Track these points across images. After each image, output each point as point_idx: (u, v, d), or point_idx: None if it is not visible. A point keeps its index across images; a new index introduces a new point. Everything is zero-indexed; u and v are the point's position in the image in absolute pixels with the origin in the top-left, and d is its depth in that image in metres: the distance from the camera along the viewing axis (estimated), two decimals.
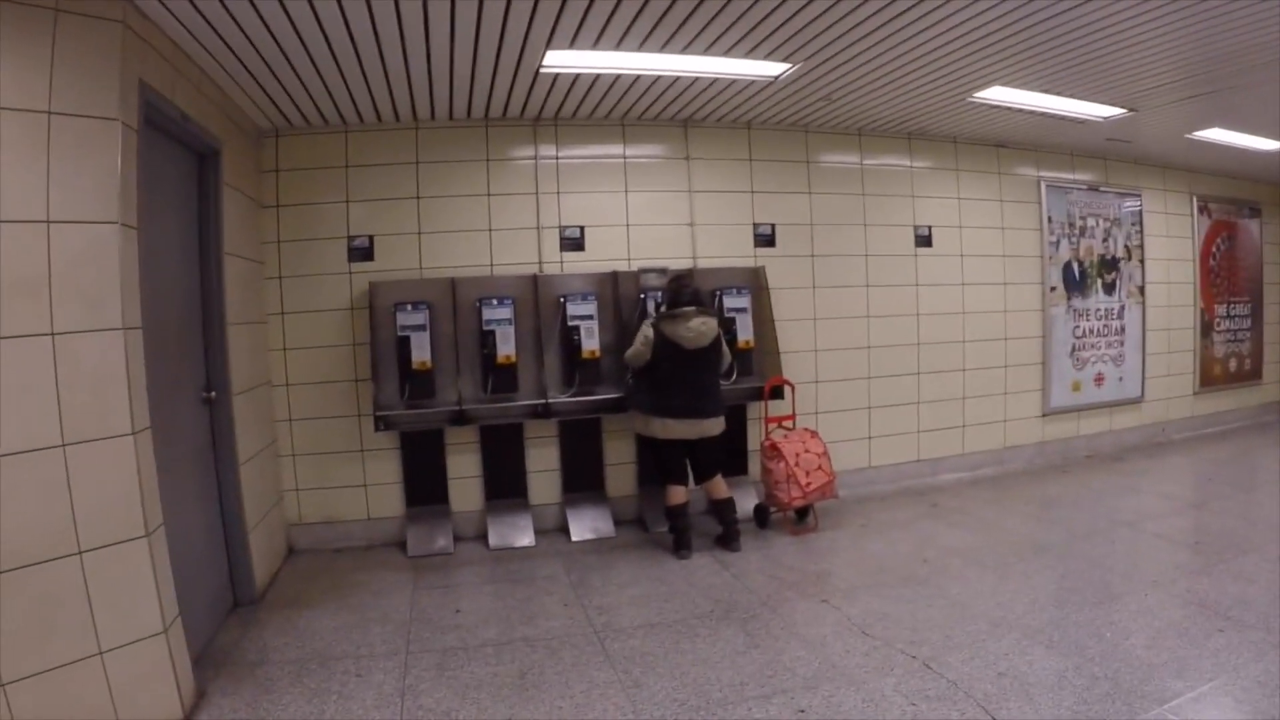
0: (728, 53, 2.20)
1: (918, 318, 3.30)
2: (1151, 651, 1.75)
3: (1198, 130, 3.33)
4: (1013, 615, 1.98)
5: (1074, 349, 3.82)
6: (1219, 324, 4.58)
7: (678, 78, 2.39)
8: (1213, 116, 3.13)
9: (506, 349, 2.53)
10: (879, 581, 2.25)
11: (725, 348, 2.57)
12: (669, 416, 2.44)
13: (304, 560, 2.51)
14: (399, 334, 2.48)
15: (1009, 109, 2.90)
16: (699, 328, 2.40)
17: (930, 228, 3.34)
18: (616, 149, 2.87)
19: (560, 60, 2.14)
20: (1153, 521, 2.75)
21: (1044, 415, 3.69)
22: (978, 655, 1.76)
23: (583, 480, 2.83)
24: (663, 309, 2.51)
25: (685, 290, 2.45)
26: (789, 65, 2.32)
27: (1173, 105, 2.90)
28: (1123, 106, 2.90)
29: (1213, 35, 2.16)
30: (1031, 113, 2.94)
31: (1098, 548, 2.50)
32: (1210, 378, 4.53)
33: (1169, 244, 4.26)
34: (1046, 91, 2.72)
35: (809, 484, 2.66)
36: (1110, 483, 3.33)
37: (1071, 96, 2.79)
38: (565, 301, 2.64)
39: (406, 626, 1.94)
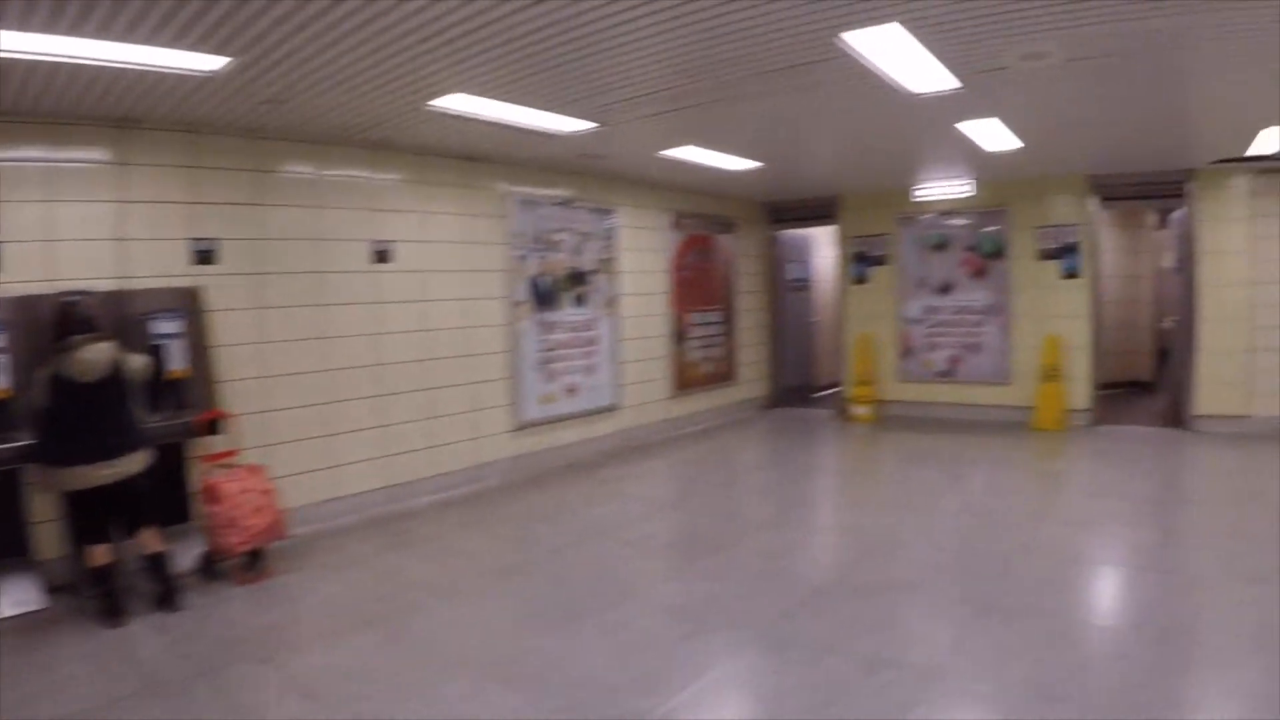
0: (156, 39, 3.43)
1: (381, 337, 6.15)
2: (617, 671, 3.27)
3: (670, 148, 6.45)
4: (472, 650, 3.49)
5: (544, 362, 7.65)
6: (693, 331, 9.96)
7: (103, 68, 3.94)
8: (685, 134, 6.04)
9: None
10: (334, 629, 3.78)
11: (138, 373, 4.07)
12: (78, 463, 3.79)
13: None
14: None
15: (470, 120, 5.04)
16: (89, 356, 3.79)
17: (393, 243, 6.21)
18: (37, 152, 4.52)
19: None
20: (626, 529, 5.46)
21: (517, 429, 7.23)
22: (432, 703, 3.05)
23: (2, 544, 4.14)
24: (55, 342, 3.87)
25: (73, 317, 3.84)
26: (228, 59, 3.69)
27: (644, 121, 5.40)
28: (592, 120, 5.29)
29: (686, 49, 3.91)
30: (496, 124, 5.18)
31: (568, 563, 4.73)
32: (687, 381, 9.65)
33: (642, 257, 8.67)
34: (510, 101, 4.77)
35: (252, 526, 4.34)
36: (587, 492, 6.51)
37: (538, 108, 4.94)
38: None
39: None
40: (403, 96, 4.67)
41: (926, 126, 5.99)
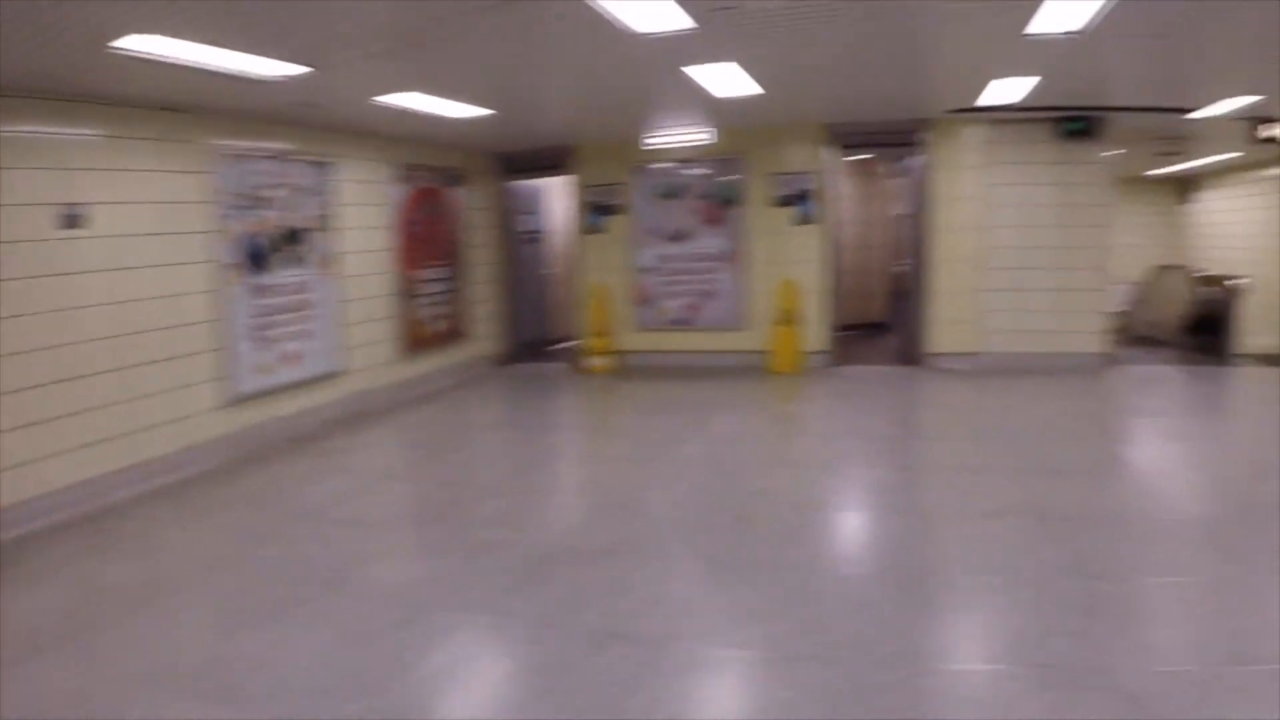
0: None
1: (68, 313, 6.30)
2: (327, 670, 3.53)
3: (393, 94, 6.69)
4: (168, 661, 3.63)
5: (259, 329, 8.00)
6: (422, 288, 10.74)
7: None
8: (408, 80, 6.29)
9: None
10: (12, 655, 3.76)
11: None
12: None
13: None
14: None
15: (162, 64, 4.99)
16: None
17: (84, 205, 6.39)
18: None
19: None
20: (345, 505, 5.84)
21: (231, 405, 7.57)
22: None
23: None
24: None
25: None
26: None
27: (362, 64, 5.57)
28: (304, 63, 5.39)
29: None
30: (192, 69, 5.19)
31: (279, 551, 4.95)
32: (417, 341, 10.29)
33: (366, 212, 9.19)
34: (206, 43, 4.75)
35: None
36: (307, 468, 6.89)
37: (239, 50, 4.94)
38: None
39: None
40: (79, 37, 4.59)
41: (660, 71, 6.51)
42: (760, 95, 7.78)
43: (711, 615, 4.04)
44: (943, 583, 4.40)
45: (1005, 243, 10.43)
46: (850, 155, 11.20)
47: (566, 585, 4.39)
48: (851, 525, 5.55)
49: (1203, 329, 12.13)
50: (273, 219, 8.18)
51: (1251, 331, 11.99)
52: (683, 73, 6.59)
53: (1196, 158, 14.07)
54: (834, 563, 4.80)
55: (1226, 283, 12.03)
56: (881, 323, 13.17)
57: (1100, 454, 6.96)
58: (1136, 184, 18.70)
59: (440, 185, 10.67)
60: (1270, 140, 9.78)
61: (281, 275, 8.29)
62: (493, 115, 8.39)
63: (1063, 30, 5.42)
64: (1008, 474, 6.18)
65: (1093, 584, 4.31)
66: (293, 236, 8.43)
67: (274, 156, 8.17)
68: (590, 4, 4.51)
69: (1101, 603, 4.08)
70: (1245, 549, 4.71)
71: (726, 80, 6.98)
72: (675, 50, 5.76)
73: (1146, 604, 4.20)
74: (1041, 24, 5.29)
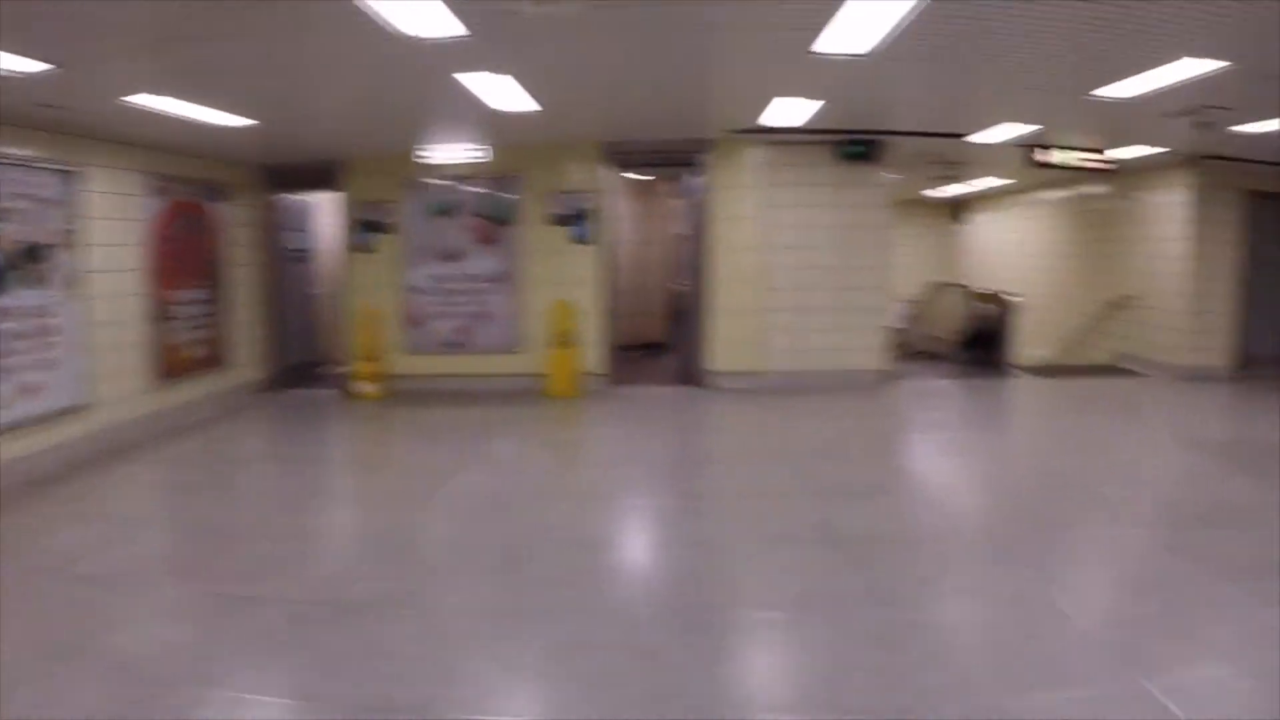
0: None
1: None
2: None
3: (141, 94, 6.60)
4: None
5: None
6: (179, 310, 11.07)
7: None
8: (162, 81, 6.31)
9: None
10: None
11: None
12: None
13: None
14: None
15: None
16: None
17: None
18: None
19: None
20: (82, 561, 5.44)
21: None
22: None
23: None
24: None
25: None
26: None
27: (107, 61, 5.56)
28: (43, 59, 5.37)
29: None
30: None
31: (5, 614, 4.48)
32: (173, 368, 10.36)
33: (117, 227, 9.44)
34: None
35: None
36: (50, 514, 6.52)
37: None
38: None
39: None
40: None
41: (433, 80, 6.77)
42: (537, 112, 8.40)
43: (484, 678, 4.02)
44: (735, 621, 4.59)
45: (786, 262, 11.76)
46: (630, 174, 12.38)
47: (326, 649, 4.32)
48: (636, 562, 5.78)
49: (979, 343, 13.87)
50: (9, 234, 8.16)
51: (1025, 344, 13.77)
52: (457, 83, 6.86)
53: (974, 180, 15.85)
54: (618, 606, 4.81)
55: (1001, 299, 13.77)
56: (662, 342, 14.41)
57: (887, 472, 7.89)
58: (915, 205, 20.80)
59: (200, 199, 10.96)
60: (1046, 165, 11.26)
61: (20, 297, 8.27)
62: (254, 125, 8.49)
63: (849, 52, 5.99)
64: (795, 496, 6.77)
65: (891, 612, 4.63)
66: (33, 254, 8.47)
67: (11, 164, 8.16)
68: (357, 3, 4.61)
69: (901, 633, 4.38)
70: (1037, 563, 5.35)
71: (503, 93, 7.29)
72: (448, 58, 6.00)
73: (946, 631, 4.52)
74: (828, 43, 5.80)
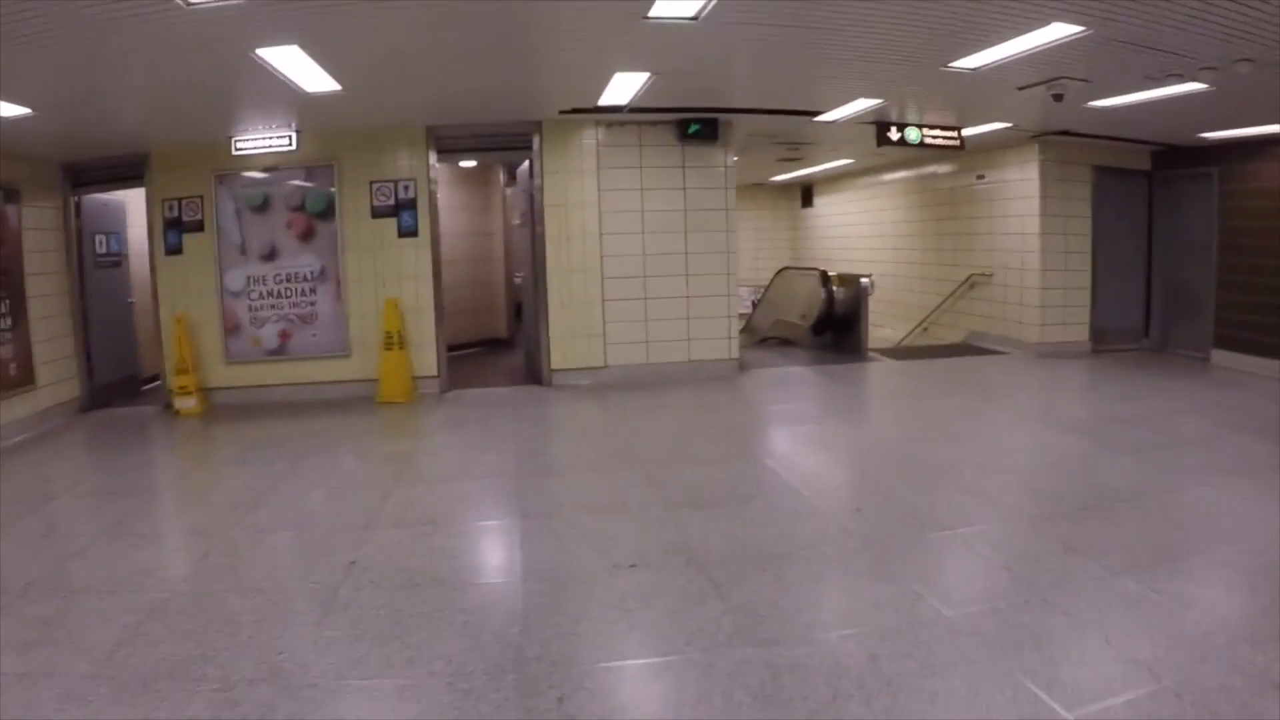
0: None
1: None
2: None
3: None
4: None
5: None
6: None
7: None
8: None
9: None
10: None
11: None
12: None
13: None
14: None
15: None
16: None
17: None
18: None
19: None
20: None
21: None
22: None
23: None
24: None
25: None
26: None
27: None
28: None
29: None
30: None
31: None
32: None
33: None
34: None
35: None
36: None
37: None
38: None
39: None
40: None
41: (228, 56, 6.31)
42: (340, 93, 7.82)
43: None
44: (578, 677, 3.91)
45: (625, 250, 11.16)
46: (459, 160, 11.64)
47: None
48: (466, 604, 4.78)
49: (831, 327, 13.44)
50: None
51: (878, 327, 13.44)
52: (256, 60, 6.42)
53: (821, 162, 15.62)
54: (443, 663, 4.10)
55: (852, 281, 13.34)
56: (504, 338, 13.68)
57: (747, 474, 7.22)
58: (763, 189, 20.69)
59: None
60: (899, 143, 11.01)
61: None
62: (31, 115, 7.73)
63: (678, 15, 5.74)
64: (647, 509, 6.19)
65: (765, 653, 4.02)
66: None
67: None
68: None
69: (780, 679, 3.81)
70: (921, 574, 4.95)
71: (305, 72, 6.85)
72: (233, 28, 5.56)
73: (832, 673, 3.88)
74: (661, 8, 5.57)
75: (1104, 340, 13.40)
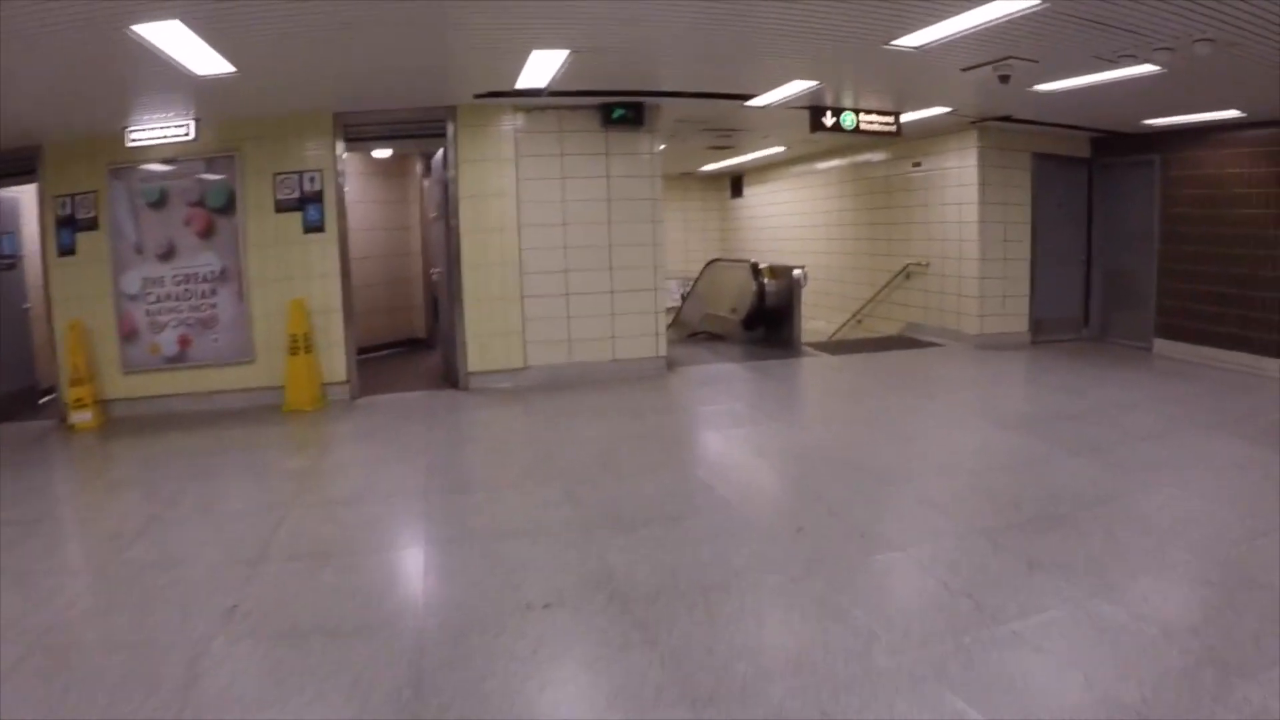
0: None
1: None
2: None
3: None
4: None
5: None
6: None
7: None
8: None
9: None
10: None
11: None
12: None
13: None
14: None
15: None
16: None
17: None
18: None
19: None
20: None
21: None
22: None
23: None
24: None
25: None
26: None
27: None
28: None
29: None
30: None
31: None
32: None
33: None
34: None
35: None
36: None
37: None
38: None
39: None
40: None
41: (105, 35, 5.74)
42: (235, 75, 7.16)
43: None
44: None
45: (545, 243, 10.51)
46: (370, 149, 10.95)
47: None
48: (355, 657, 4.12)
49: (764, 321, 12.88)
50: None
51: (812, 319, 12.95)
52: (134, 38, 5.80)
53: (752, 150, 15.16)
54: None
55: (785, 273, 12.80)
56: (423, 338, 12.93)
57: (676, 487, 6.53)
58: (692, 179, 20.30)
59: None
60: (834, 129, 10.52)
61: None
62: None
63: None
64: (567, 532, 5.58)
65: (701, 712, 3.51)
66: None
67: None
68: None
69: None
70: (874, 604, 4.47)
71: (192, 52, 6.30)
72: (101, 1, 5.02)
73: None
74: None
75: (1043, 330, 13.10)
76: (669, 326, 11.15)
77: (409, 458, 7.78)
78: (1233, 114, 10.15)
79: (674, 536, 5.48)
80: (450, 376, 10.53)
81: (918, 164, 13.56)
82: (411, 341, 12.89)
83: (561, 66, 7.86)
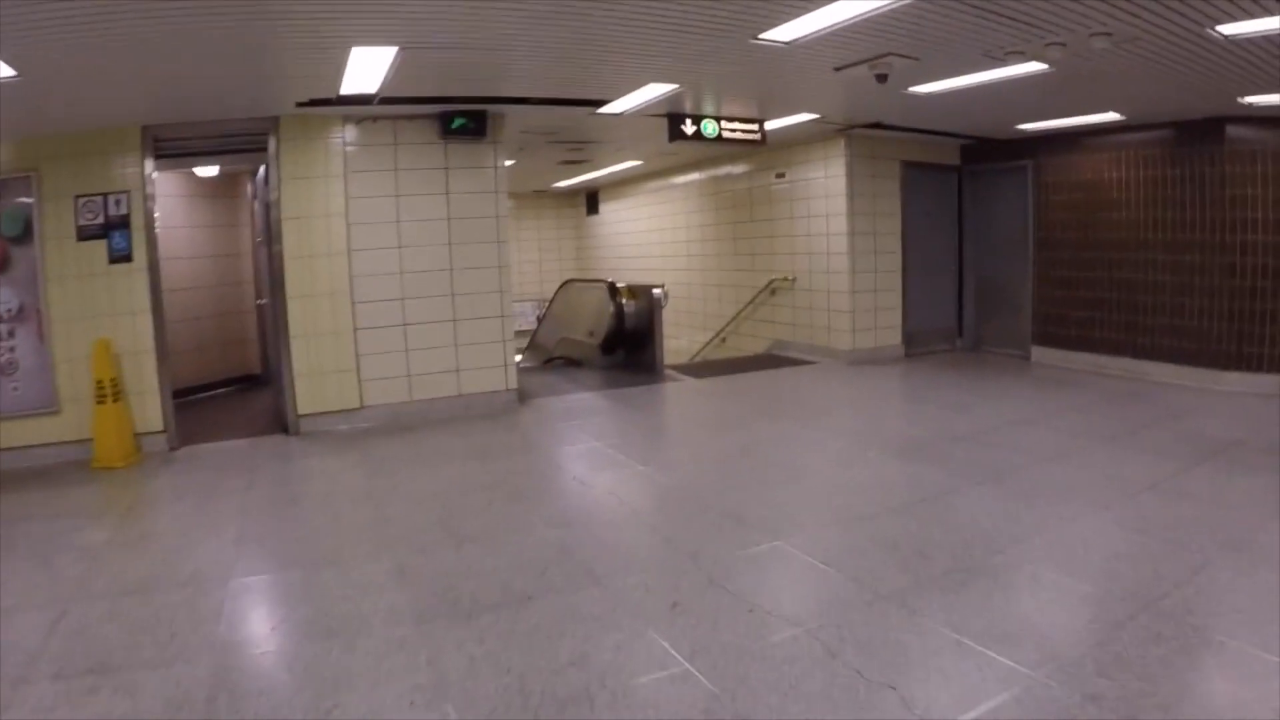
0: None
1: None
2: None
3: None
4: None
5: None
6: None
7: None
8: None
9: None
10: None
11: None
12: None
13: None
14: None
15: None
16: None
17: None
18: None
19: None
20: None
21: None
22: None
23: None
24: None
25: None
26: None
27: None
28: None
29: None
30: None
31: None
32: None
33: None
34: None
35: None
36: None
37: None
38: None
39: None
40: None
41: None
42: (19, 80, 6.17)
43: None
44: None
45: (379, 269, 9.57)
46: (184, 166, 9.77)
47: None
48: None
49: (623, 344, 12.16)
50: None
51: (672, 338, 12.30)
52: None
53: (607, 165, 14.55)
54: None
55: (643, 293, 12.05)
56: (260, 374, 11.85)
57: (527, 554, 5.47)
58: (544, 196, 19.63)
59: None
60: (695, 137, 9.91)
61: None
62: None
63: None
64: (392, 628, 4.55)
65: None
66: None
67: None
68: None
69: None
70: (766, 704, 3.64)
71: None
72: None
73: None
74: None
75: (917, 343, 12.74)
76: (525, 350, 10.24)
77: (219, 526, 6.52)
78: (1111, 117, 9.89)
79: (524, 625, 4.52)
80: (280, 420, 9.46)
81: (781, 175, 13.00)
82: (247, 378, 11.71)
83: (391, 68, 6.97)
